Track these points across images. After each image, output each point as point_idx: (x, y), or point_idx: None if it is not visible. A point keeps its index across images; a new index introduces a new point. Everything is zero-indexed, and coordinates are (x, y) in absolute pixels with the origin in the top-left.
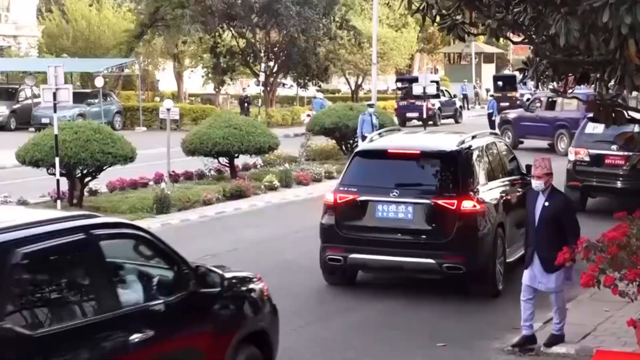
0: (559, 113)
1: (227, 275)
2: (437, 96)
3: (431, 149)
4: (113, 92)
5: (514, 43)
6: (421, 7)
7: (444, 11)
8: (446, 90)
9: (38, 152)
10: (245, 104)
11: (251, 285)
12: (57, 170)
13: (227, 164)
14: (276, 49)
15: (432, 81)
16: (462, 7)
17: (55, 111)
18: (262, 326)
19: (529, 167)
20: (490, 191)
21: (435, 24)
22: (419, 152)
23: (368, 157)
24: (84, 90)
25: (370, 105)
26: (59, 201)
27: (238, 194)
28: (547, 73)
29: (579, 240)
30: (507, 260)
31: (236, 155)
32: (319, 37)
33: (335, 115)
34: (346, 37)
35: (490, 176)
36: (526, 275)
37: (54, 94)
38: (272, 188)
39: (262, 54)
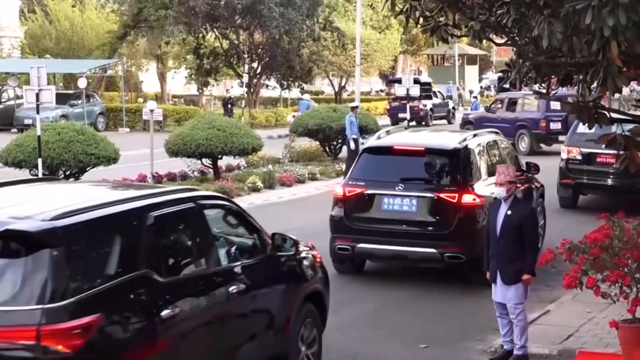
0: (520, 114)
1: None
2: (429, 97)
3: (434, 146)
4: (96, 93)
5: (497, 45)
6: (404, 9)
7: (427, 13)
8: (439, 92)
9: (21, 153)
10: (229, 105)
11: (311, 252)
12: (40, 171)
13: (211, 165)
14: (260, 50)
15: (424, 83)
16: (445, 9)
17: (38, 112)
18: (318, 287)
19: (528, 164)
20: (489, 186)
21: (419, 26)
22: (422, 149)
23: (375, 153)
24: (67, 91)
25: (355, 107)
26: None
27: None
28: (530, 75)
29: (536, 254)
30: None
31: (219, 156)
32: (302, 39)
33: (318, 117)
34: (330, 39)
35: (490, 172)
36: (493, 291)
37: (37, 95)
38: (255, 189)
39: (245, 55)
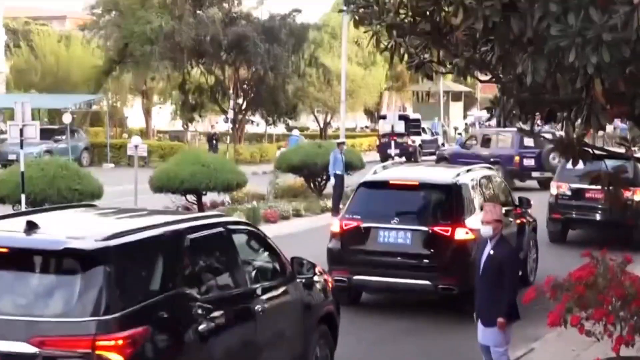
0: (494, 150)
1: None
2: (418, 133)
3: (429, 181)
4: (81, 129)
5: (481, 82)
6: (389, 46)
7: (411, 50)
8: (428, 128)
9: (4, 189)
10: (214, 141)
11: (323, 276)
12: (23, 206)
13: (195, 202)
14: (245, 85)
15: (413, 119)
16: (429, 46)
17: (22, 147)
18: (331, 309)
19: (521, 199)
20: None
21: (404, 62)
22: (417, 183)
23: (371, 187)
24: (52, 126)
25: (341, 143)
26: None
27: None
28: (514, 112)
29: (511, 298)
30: None
31: (204, 192)
32: (287, 75)
33: (303, 153)
34: (315, 75)
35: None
36: (478, 332)
37: (21, 130)
38: None
39: (230, 91)
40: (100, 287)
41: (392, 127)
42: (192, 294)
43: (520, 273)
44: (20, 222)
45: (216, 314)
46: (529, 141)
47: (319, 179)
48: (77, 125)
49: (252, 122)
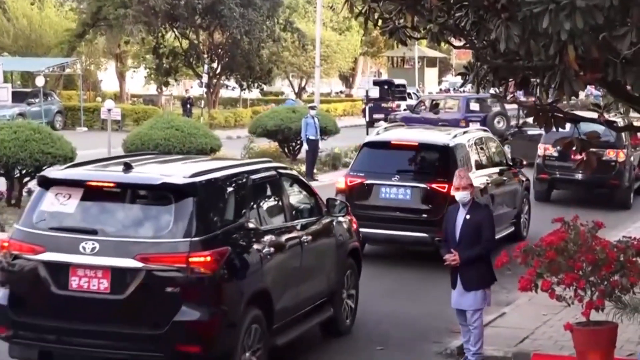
0: (441, 115)
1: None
2: (403, 98)
3: (428, 142)
4: (54, 92)
5: (455, 47)
6: (363, 11)
7: (385, 15)
8: (414, 93)
9: None
10: (188, 105)
11: (350, 216)
12: None
13: None
14: (219, 50)
15: (398, 84)
16: (403, 11)
17: None
18: (357, 245)
19: (514, 159)
20: (477, 178)
21: (378, 28)
22: (417, 143)
23: (374, 147)
24: (25, 89)
25: (312, 108)
26: None
27: None
28: (487, 78)
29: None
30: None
31: None
32: (262, 39)
33: (277, 118)
34: (290, 40)
35: (478, 165)
36: (453, 298)
37: None
38: None
39: (205, 55)
40: (190, 215)
41: (367, 92)
42: (256, 224)
43: (513, 229)
44: (117, 165)
45: (273, 241)
46: (474, 106)
47: (293, 144)
48: (50, 88)
49: (227, 86)
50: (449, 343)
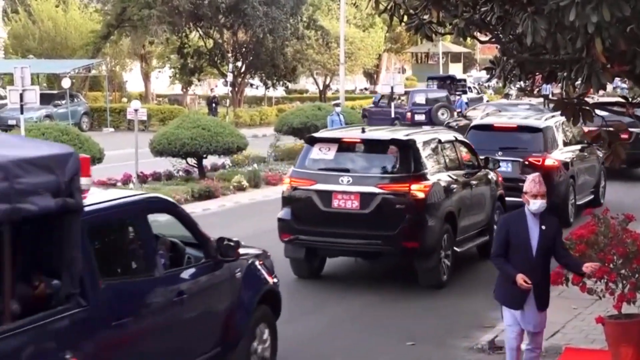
0: (395, 108)
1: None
2: (464, 92)
3: (524, 124)
4: (80, 93)
5: (481, 42)
6: (388, 7)
7: (411, 11)
8: (474, 87)
9: None
10: (213, 105)
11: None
12: None
13: (196, 165)
14: (244, 49)
15: (460, 79)
16: (429, 7)
17: (22, 112)
18: (502, 192)
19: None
20: (563, 153)
21: (403, 24)
22: (516, 125)
23: (480, 129)
24: (51, 91)
25: (337, 105)
26: None
27: (207, 195)
28: (514, 72)
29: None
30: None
31: (204, 155)
32: (286, 37)
33: (303, 115)
34: (314, 37)
35: (565, 143)
36: (513, 317)
37: (21, 95)
38: (240, 188)
39: (229, 55)
40: (409, 159)
41: (392, 88)
42: (446, 170)
43: (593, 196)
44: (356, 130)
45: (456, 181)
46: (421, 99)
47: None
48: (76, 90)
49: (252, 85)
50: (479, 337)
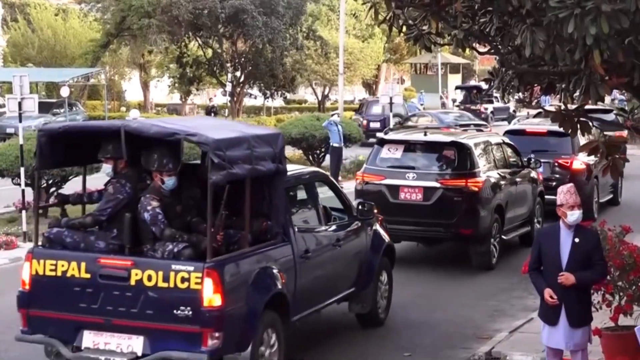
0: (360, 116)
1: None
2: (490, 102)
3: (554, 129)
4: (79, 102)
5: (480, 53)
6: (388, 18)
7: (410, 21)
8: (496, 96)
9: (3, 162)
10: (212, 114)
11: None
12: (22, 180)
13: None
14: (243, 59)
15: (486, 89)
16: (428, 18)
17: (20, 121)
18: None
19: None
20: (586, 157)
21: (402, 35)
22: (546, 130)
23: (513, 134)
24: (50, 100)
25: (336, 114)
26: (24, 212)
27: None
28: (512, 83)
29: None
30: None
31: None
32: (285, 47)
33: (302, 126)
34: (313, 48)
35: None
36: (551, 336)
37: (19, 104)
38: None
39: (228, 64)
40: (465, 159)
41: (391, 99)
42: (496, 169)
43: (612, 196)
44: (419, 133)
45: (503, 178)
46: (377, 109)
47: (317, 152)
48: (74, 98)
49: (250, 95)
50: (476, 349)
